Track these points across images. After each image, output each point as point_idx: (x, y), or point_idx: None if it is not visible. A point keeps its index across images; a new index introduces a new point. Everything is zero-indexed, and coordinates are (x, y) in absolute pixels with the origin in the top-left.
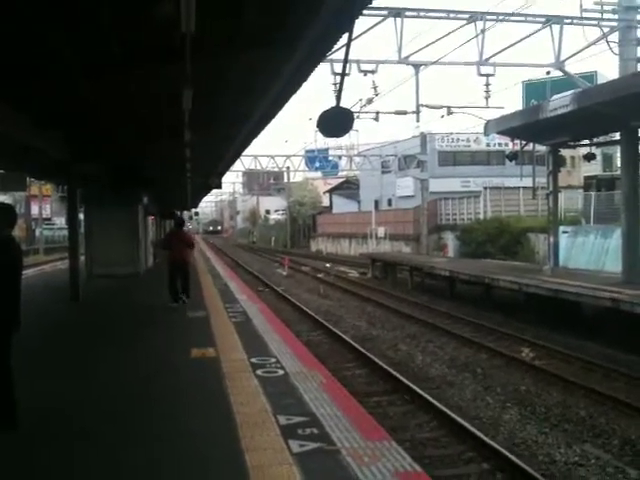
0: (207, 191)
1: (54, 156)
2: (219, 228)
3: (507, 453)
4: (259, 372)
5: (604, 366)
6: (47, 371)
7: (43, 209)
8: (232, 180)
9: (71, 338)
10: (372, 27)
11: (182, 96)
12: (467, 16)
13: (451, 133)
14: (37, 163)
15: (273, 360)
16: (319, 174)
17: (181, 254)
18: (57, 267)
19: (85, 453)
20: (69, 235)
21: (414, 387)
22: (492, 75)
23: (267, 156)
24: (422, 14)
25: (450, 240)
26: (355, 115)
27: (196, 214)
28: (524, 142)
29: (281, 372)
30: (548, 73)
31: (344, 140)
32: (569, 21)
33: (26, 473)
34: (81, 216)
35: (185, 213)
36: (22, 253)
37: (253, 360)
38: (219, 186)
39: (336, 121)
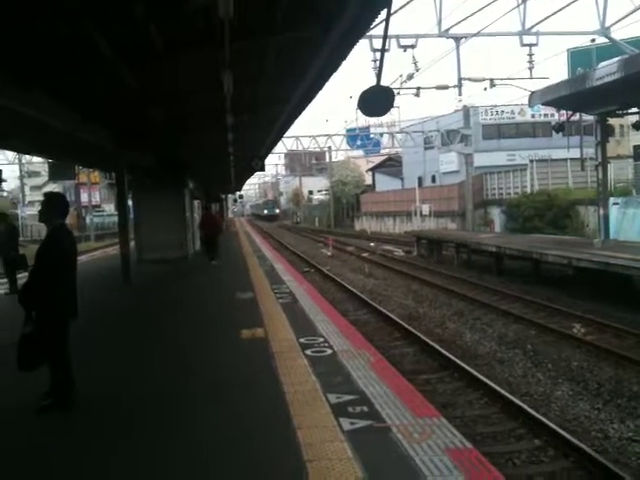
0: (250, 174)
1: (101, 146)
2: (276, 212)
3: (559, 429)
4: (308, 352)
5: None
6: (98, 358)
7: (92, 196)
8: (275, 162)
9: (123, 324)
10: (411, 0)
11: (223, 81)
12: None
13: (495, 105)
14: (85, 153)
15: (321, 340)
16: (361, 152)
17: (210, 230)
18: (108, 253)
19: (143, 425)
20: (119, 222)
21: (463, 364)
22: (535, 45)
23: (308, 136)
24: None
25: (496, 215)
26: (396, 92)
27: (240, 197)
28: (571, 112)
29: (329, 351)
30: (593, 40)
31: (385, 117)
32: None
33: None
34: (130, 202)
35: (229, 196)
36: (75, 242)
37: (301, 340)
38: (262, 168)
39: (377, 100)
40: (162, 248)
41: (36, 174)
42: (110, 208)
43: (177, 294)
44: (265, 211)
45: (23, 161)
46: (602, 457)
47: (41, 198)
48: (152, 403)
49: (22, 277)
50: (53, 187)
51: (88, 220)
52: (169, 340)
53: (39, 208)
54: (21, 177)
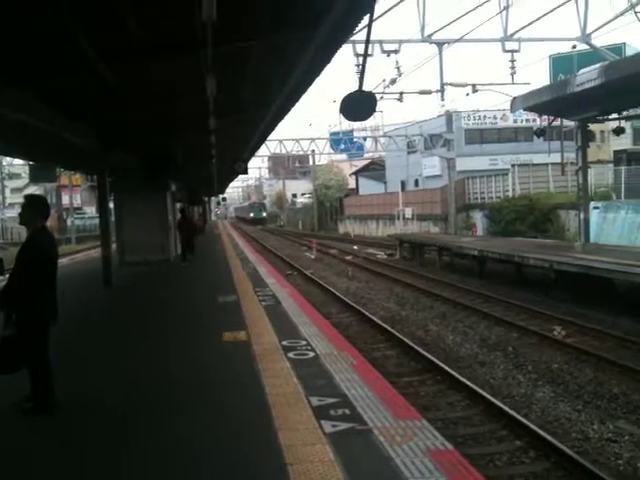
0: (233, 177)
1: (84, 147)
2: (264, 215)
3: (540, 430)
4: (290, 354)
5: (638, 342)
6: (78, 360)
7: (73, 199)
8: (258, 165)
9: (104, 327)
10: (394, 6)
11: (206, 84)
12: None
13: (477, 110)
14: (67, 154)
15: (304, 343)
16: (344, 156)
17: (188, 233)
18: (90, 255)
19: (134, 435)
20: (100, 224)
21: (445, 367)
22: (517, 51)
23: (292, 140)
24: None
25: (479, 219)
26: (379, 96)
27: (223, 199)
28: (552, 118)
29: (312, 354)
30: (574, 47)
31: (369, 121)
32: None
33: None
34: (111, 205)
35: (212, 199)
36: (56, 244)
37: (284, 343)
38: (245, 171)
39: (359, 105)
40: (144, 251)
41: (17, 176)
42: (91, 210)
43: (159, 297)
44: (251, 214)
45: (4, 163)
46: (582, 458)
47: (22, 200)
48: (133, 405)
49: (1, 280)
50: (34, 189)
51: (69, 222)
52: (151, 343)
53: (20, 210)
54: (2, 179)
